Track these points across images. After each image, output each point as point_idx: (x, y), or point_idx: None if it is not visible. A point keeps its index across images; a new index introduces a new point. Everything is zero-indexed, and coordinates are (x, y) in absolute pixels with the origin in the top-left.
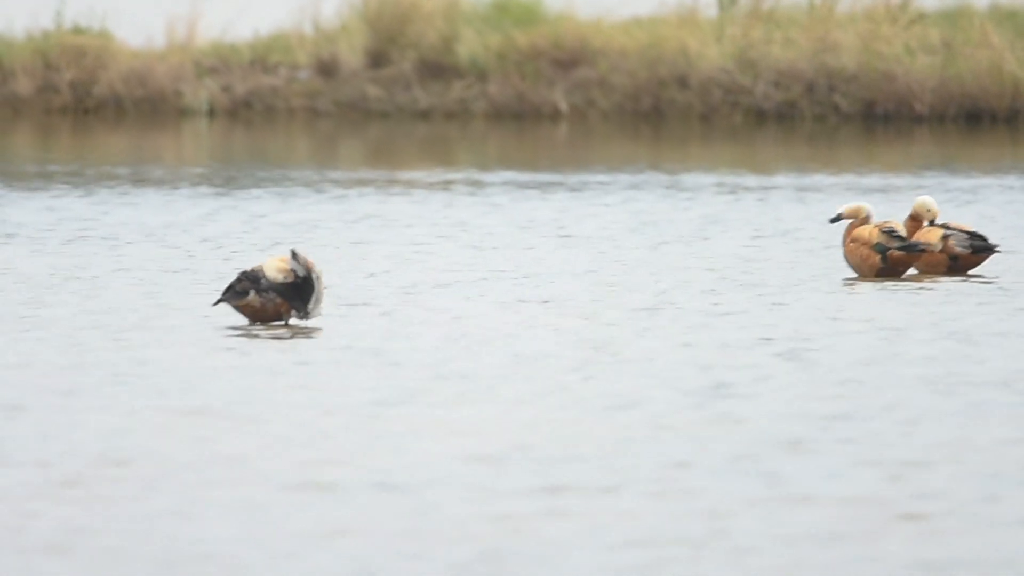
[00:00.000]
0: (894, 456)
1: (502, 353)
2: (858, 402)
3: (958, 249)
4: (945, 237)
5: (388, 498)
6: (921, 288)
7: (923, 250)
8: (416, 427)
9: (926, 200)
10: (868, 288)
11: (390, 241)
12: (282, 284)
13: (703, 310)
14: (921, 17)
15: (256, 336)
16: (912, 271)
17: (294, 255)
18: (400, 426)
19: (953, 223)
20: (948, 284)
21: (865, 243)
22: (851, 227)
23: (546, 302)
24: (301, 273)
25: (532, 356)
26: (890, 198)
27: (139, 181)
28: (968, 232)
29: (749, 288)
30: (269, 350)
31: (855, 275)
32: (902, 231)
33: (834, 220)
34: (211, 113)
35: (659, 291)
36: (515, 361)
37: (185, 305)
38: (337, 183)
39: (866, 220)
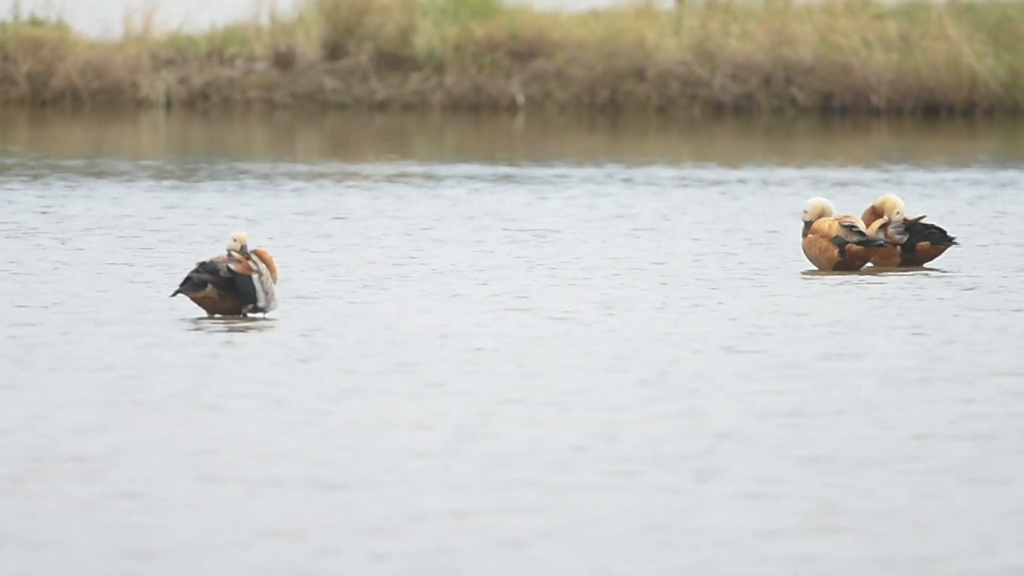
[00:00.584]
0: (829, 454)
1: (453, 346)
2: (804, 397)
3: (896, 236)
4: (883, 227)
5: (333, 493)
6: (876, 282)
7: (881, 245)
8: (363, 421)
9: (895, 201)
10: (822, 282)
11: (343, 234)
12: (220, 277)
13: (655, 304)
14: (879, 13)
15: (206, 329)
16: (869, 264)
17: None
18: (347, 420)
19: (911, 216)
20: (903, 277)
21: (824, 236)
22: (811, 227)
23: (496, 295)
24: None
25: (481, 350)
26: (848, 191)
27: (95, 173)
28: (925, 224)
29: (703, 281)
30: (218, 343)
31: (813, 268)
32: (862, 226)
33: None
34: (168, 105)
35: (612, 285)
36: (465, 355)
37: (138, 297)
38: (293, 175)
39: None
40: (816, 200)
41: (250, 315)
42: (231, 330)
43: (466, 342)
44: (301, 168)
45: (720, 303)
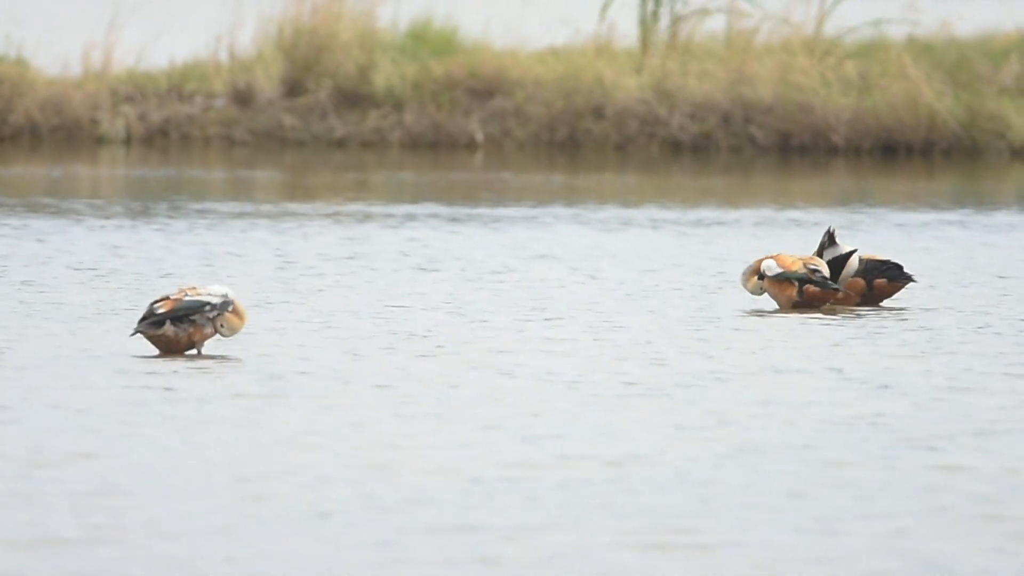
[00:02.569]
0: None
1: (382, 393)
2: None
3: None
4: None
5: (292, 528)
6: (826, 321)
7: (837, 289)
8: (296, 457)
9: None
10: (768, 322)
11: (296, 272)
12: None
13: (597, 342)
14: (842, 52)
15: (157, 370)
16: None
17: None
18: (288, 455)
19: (867, 254)
20: (852, 316)
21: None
22: (770, 256)
23: (416, 335)
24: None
25: (408, 391)
26: (807, 231)
27: (52, 211)
28: (881, 261)
29: (647, 321)
30: (164, 386)
31: (766, 307)
32: (826, 272)
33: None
34: (128, 141)
35: (552, 324)
36: (398, 397)
37: (93, 336)
38: (250, 214)
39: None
40: (752, 265)
41: (201, 349)
42: (172, 372)
43: (402, 387)
44: (257, 208)
45: (661, 337)
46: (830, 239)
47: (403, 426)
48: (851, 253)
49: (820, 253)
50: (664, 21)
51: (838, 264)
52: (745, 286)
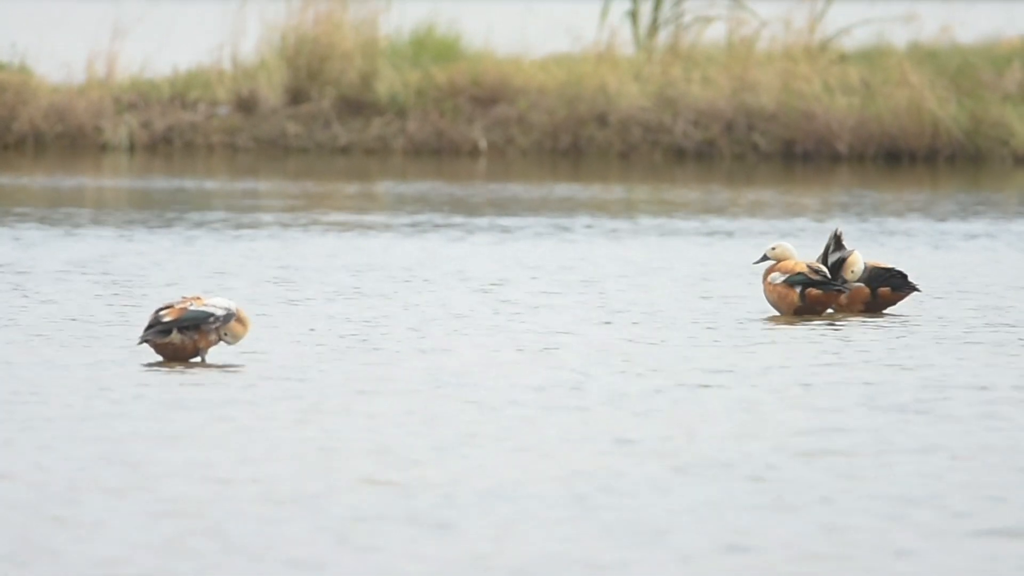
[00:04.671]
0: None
1: (388, 401)
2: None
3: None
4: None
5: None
6: (826, 330)
7: (839, 291)
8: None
9: (857, 258)
10: (765, 331)
11: (300, 281)
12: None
13: (598, 347)
14: (842, 57)
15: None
16: (830, 310)
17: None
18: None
19: (871, 261)
20: (853, 325)
21: (787, 273)
22: (772, 267)
23: (425, 350)
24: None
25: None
26: (812, 238)
27: (55, 219)
28: (886, 269)
29: (648, 329)
30: (178, 390)
31: (774, 313)
32: (827, 274)
33: (758, 261)
34: (131, 148)
35: (551, 334)
36: (403, 402)
37: (94, 346)
38: (253, 224)
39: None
40: (780, 246)
41: (205, 357)
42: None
43: (403, 395)
44: (260, 217)
45: (652, 344)
46: (836, 242)
47: (407, 439)
48: (850, 253)
49: (826, 255)
50: (665, 28)
51: (837, 265)
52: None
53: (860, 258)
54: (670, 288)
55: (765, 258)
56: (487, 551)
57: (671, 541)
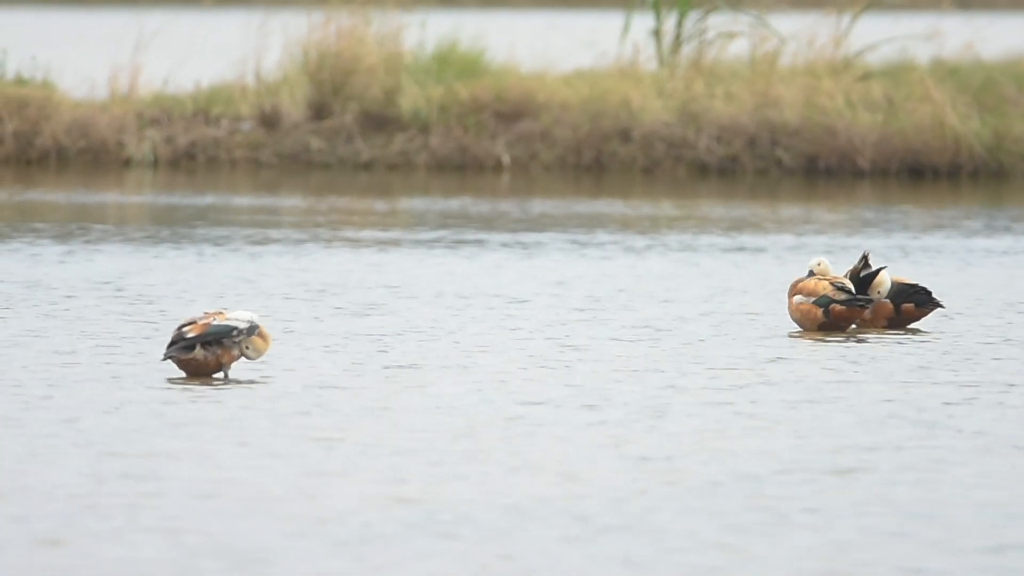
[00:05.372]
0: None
1: (395, 416)
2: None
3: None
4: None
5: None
6: (847, 345)
7: (863, 306)
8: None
9: (885, 277)
10: (798, 343)
11: (322, 297)
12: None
13: (617, 362)
14: (867, 74)
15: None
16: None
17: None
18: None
19: (895, 277)
20: (873, 341)
21: (811, 295)
22: (796, 287)
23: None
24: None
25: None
26: (835, 254)
27: (77, 234)
28: (910, 285)
29: (669, 344)
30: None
31: (798, 330)
32: (852, 289)
33: (805, 278)
34: (154, 164)
35: (571, 349)
36: (415, 419)
37: (120, 361)
38: (276, 240)
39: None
40: (824, 262)
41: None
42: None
43: (419, 411)
44: (286, 232)
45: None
46: (864, 263)
47: (431, 454)
48: (880, 270)
49: (856, 273)
50: (688, 44)
51: (867, 280)
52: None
53: (888, 278)
54: (693, 303)
55: (811, 273)
56: (497, 565)
57: (683, 557)
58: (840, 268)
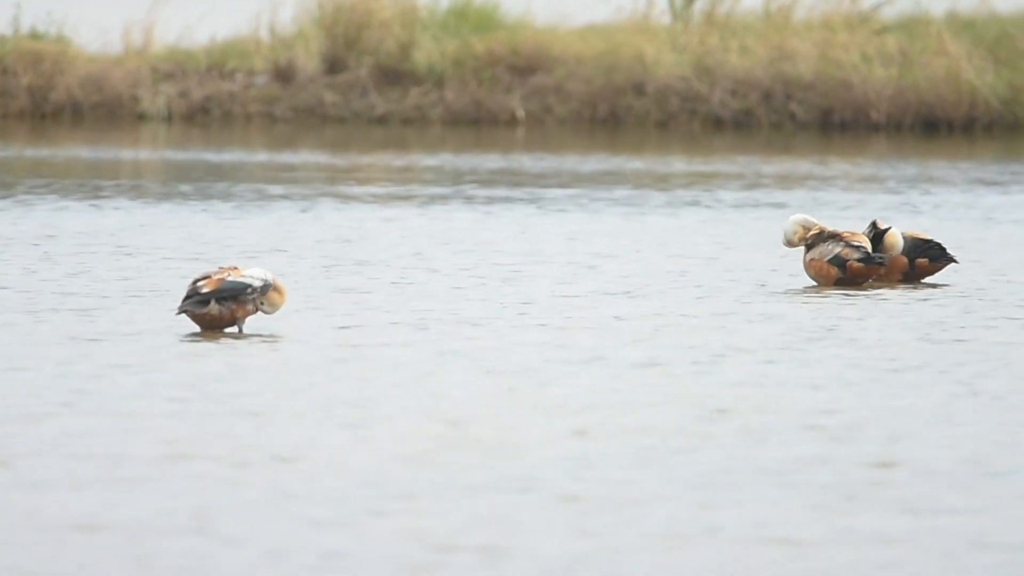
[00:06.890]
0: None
1: (404, 372)
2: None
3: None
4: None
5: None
6: (855, 298)
7: (881, 263)
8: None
9: (896, 238)
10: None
11: (334, 253)
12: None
13: (621, 320)
14: (882, 28)
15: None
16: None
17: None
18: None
19: (909, 231)
20: (886, 295)
21: (823, 256)
22: (809, 244)
23: (442, 321)
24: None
25: (434, 376)
26: (848, 209)
27: (92, 188)
28: (924, 240)
29: (678, 301)
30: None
31: (814, 284)
32: (867, 244)
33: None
34: (168, 118)
35: (576, 309)
36: (419, 381)
37: (129, 316)
38: (290, 196)
39: (820, 232)
40: (796, 219)
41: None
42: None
43: (427, 373)
44: (299, 189)
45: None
46: (873, 229)
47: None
48: (887, 230)
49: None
50: None
51: (876, 240)
52: (792, 239)
53: (899, 238)
54: (705, 260)
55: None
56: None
57: (703, 538)
58: (848, 225)
